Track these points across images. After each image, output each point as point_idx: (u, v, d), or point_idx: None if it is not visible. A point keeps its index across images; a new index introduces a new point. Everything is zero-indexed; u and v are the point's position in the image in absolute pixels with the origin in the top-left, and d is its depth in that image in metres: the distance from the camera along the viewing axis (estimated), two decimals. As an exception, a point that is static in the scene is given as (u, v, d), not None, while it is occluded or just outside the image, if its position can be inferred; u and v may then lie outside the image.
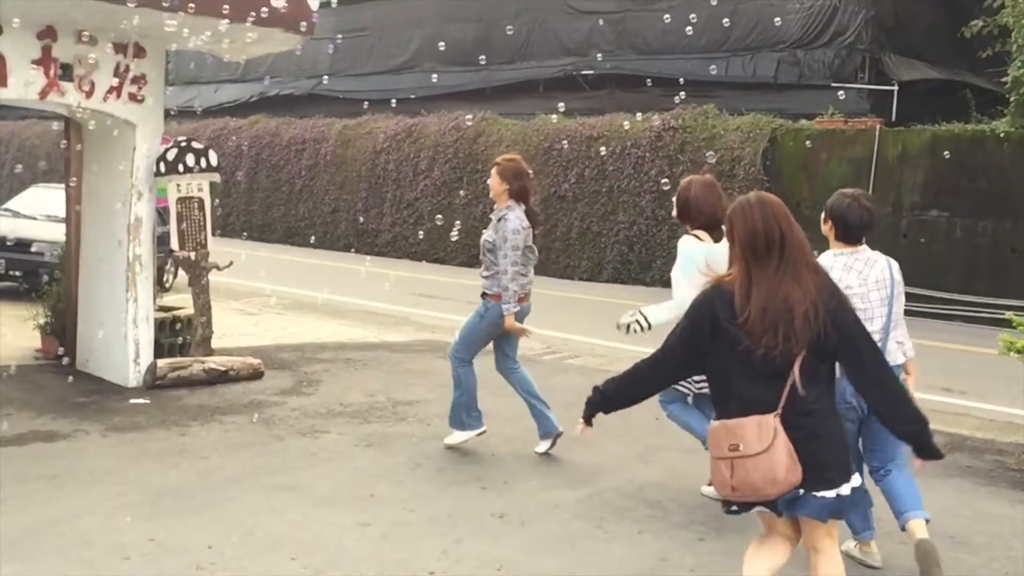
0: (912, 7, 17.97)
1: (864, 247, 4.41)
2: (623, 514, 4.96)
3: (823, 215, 4.47)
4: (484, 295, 5.86)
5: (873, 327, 4.09)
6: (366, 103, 21.67)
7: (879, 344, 3.76)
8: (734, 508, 3.36)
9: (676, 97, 15.75)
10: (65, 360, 7.73)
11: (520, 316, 5.85)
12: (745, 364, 3.17)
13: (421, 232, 19.45)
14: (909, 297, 4.98)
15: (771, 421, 3.12)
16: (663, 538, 4.65)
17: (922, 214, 14.66)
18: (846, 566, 3.45)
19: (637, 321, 5.11)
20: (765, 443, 3.11)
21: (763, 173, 15.86)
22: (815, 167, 15.64)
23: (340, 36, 23.41)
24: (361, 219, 21.20)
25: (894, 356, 4.33)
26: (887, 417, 3.34)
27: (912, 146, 14.92)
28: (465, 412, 6.00)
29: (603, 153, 17.21)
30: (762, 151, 15.99)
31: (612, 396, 3.48)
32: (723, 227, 5.07)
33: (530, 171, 6.02)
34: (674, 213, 5.42)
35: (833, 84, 17.07)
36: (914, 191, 14.80)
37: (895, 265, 4.42)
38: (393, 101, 19.09)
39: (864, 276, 4.30)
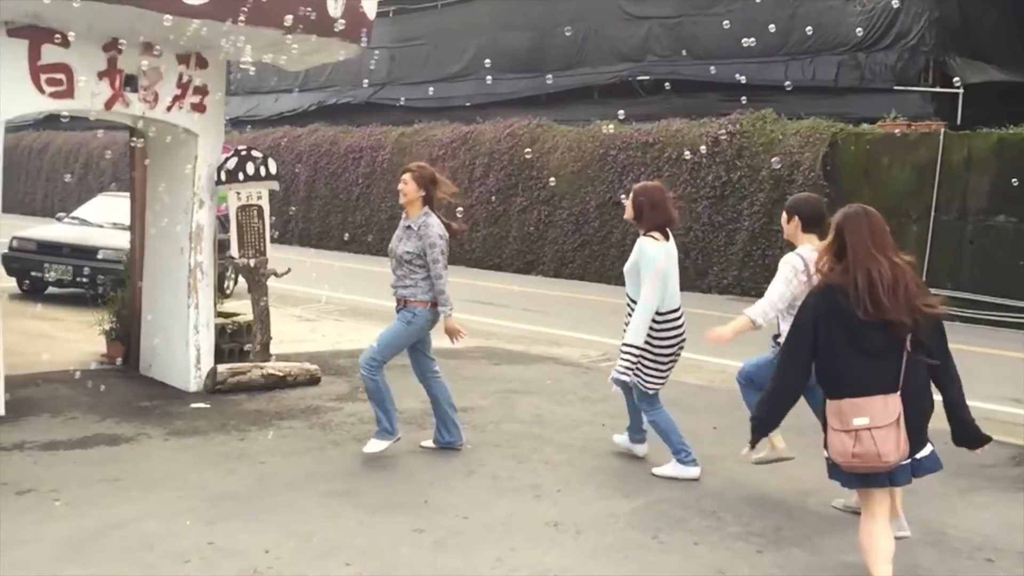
0: (978, 8, 17.51)
1: None
2: (679, 524, 4.90)
3: (784, 216, 5.19)
4: (405, 303, 5.91)
5: None
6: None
7: None
8: (840, 476, 3.88)
9: (742, 98, 15.58)
10: (128, 364, 7.91)
11: (432, 321, 5.95)
12: (862, 348, 3.68)
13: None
14: (975, 305, 4.99)
15: (896, 400, 3.65)
16: (719, 549, 4.58)
17: (988, 220, 14.28)
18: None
19: (626, 365, 5.42)
20: (892, 418, 3.62)
21: (823, 178, 15.56)
22: (877, 172, 15.31)
23: (393, 45, 23.63)
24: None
25: None
26: (960, 422, 3.82)
27: (978, 150, 14.52)
28: (387, 419, 5.90)
29: (669, 172, 17.05)
30: (822, 156, 15.73)
31: (767, 419, 4.06)
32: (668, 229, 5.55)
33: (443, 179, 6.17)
34: (628, 215, 5.69)
35: (896, 87, 16.74)
36: (980, 196, 14.40)
37: None
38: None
39: None
